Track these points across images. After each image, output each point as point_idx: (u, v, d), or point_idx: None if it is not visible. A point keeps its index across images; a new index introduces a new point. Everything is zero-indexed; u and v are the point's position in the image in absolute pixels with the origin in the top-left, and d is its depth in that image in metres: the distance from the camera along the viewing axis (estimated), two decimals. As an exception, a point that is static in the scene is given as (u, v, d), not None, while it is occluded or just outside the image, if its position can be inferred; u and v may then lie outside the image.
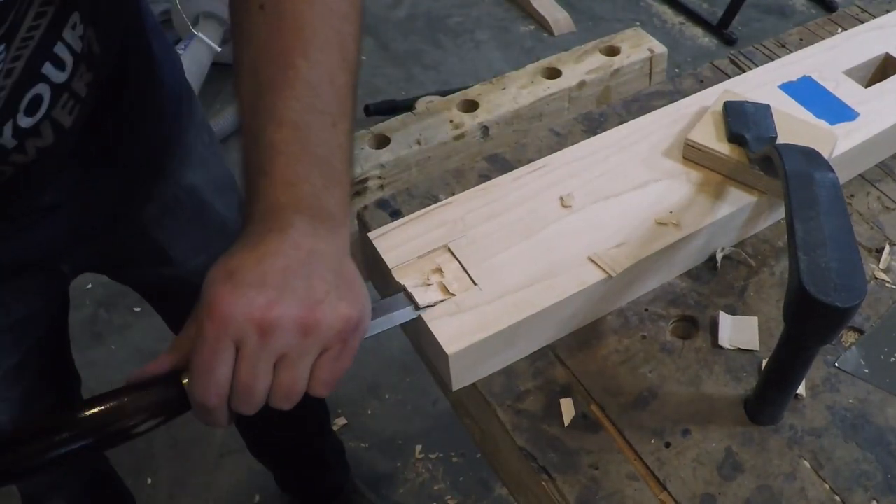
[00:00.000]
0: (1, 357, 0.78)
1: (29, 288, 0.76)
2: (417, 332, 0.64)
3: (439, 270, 0.64)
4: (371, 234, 0.67)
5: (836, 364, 0.62)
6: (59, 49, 0.60)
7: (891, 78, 0.80)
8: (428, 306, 0.61)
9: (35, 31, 0.57)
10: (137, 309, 1.78)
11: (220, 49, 2.22)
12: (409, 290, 0.62)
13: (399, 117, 0.77)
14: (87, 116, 0.66)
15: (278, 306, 0.47)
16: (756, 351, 0.63)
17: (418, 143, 0.75)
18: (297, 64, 0.53)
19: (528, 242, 0.66)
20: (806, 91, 0.79)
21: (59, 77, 0.62)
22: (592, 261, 0.64)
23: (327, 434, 1.38)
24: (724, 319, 0.65)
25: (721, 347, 0.63)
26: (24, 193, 0.66)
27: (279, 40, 0.54)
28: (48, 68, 0.60)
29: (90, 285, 1.85)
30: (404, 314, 0.61)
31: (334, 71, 0.54)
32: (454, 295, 0.62)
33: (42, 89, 0.61)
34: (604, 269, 0.63)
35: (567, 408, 0.60)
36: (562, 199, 0.68)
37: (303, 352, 0.49)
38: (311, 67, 0.53)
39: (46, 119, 0.62)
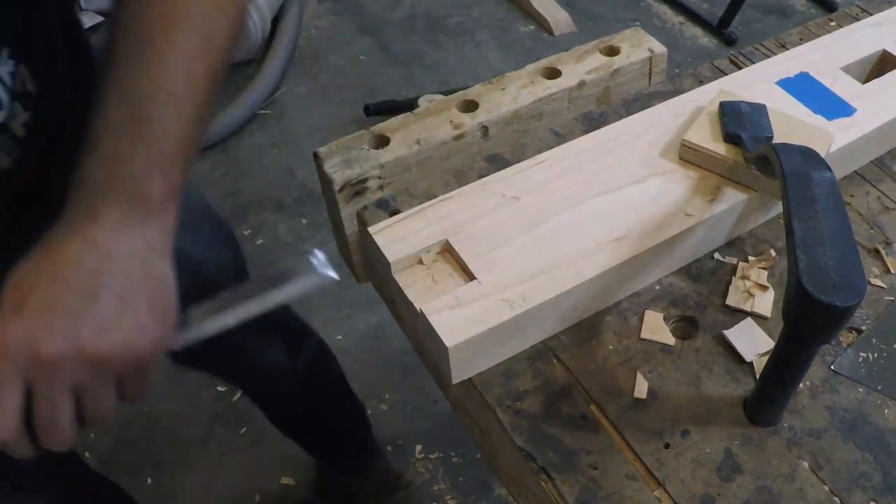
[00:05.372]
0: None
1: None
2: (417, 328, 0.64)
3: (439, 265, 0.64)
4: (371, 229, 0.67)
5: (833, 367, 0.62)
6: None
7: (888, 74, 0.80)
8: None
9: None
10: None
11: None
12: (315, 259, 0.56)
13: (399, 117, 0.77)
14: (29, 159, 0.63)
15: (62, 340, 0.45)
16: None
17: (418, 143, 0.74)
18: (154, 41, 0.52)
19: (528, 236, 0.66)
20: (803, 87, 0.79)
21: None
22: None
23: (348, 396, 1.35)
24: (734, 336, 0.63)
25: (749, 363, 0.62)
26: None
27: (144, 17, 0.52)
28: None
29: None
30: (306, 283, 0.56)
31: (194, 55, 0.53)
32: (456, 288, 0.62)
33: None
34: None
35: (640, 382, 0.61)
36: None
37: (97, 383, 0.47)
38: (170, 47, 0.52)
39: None
